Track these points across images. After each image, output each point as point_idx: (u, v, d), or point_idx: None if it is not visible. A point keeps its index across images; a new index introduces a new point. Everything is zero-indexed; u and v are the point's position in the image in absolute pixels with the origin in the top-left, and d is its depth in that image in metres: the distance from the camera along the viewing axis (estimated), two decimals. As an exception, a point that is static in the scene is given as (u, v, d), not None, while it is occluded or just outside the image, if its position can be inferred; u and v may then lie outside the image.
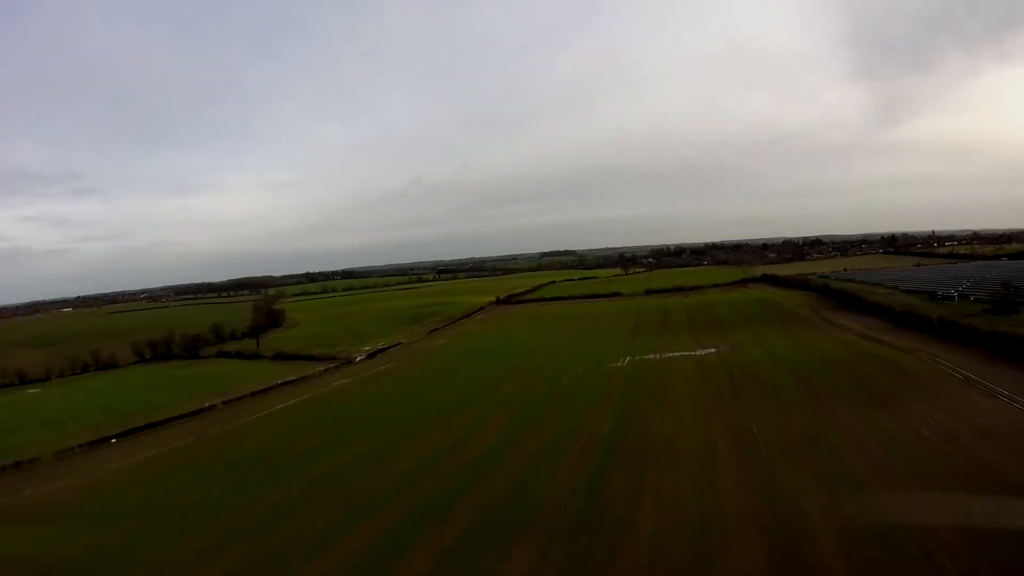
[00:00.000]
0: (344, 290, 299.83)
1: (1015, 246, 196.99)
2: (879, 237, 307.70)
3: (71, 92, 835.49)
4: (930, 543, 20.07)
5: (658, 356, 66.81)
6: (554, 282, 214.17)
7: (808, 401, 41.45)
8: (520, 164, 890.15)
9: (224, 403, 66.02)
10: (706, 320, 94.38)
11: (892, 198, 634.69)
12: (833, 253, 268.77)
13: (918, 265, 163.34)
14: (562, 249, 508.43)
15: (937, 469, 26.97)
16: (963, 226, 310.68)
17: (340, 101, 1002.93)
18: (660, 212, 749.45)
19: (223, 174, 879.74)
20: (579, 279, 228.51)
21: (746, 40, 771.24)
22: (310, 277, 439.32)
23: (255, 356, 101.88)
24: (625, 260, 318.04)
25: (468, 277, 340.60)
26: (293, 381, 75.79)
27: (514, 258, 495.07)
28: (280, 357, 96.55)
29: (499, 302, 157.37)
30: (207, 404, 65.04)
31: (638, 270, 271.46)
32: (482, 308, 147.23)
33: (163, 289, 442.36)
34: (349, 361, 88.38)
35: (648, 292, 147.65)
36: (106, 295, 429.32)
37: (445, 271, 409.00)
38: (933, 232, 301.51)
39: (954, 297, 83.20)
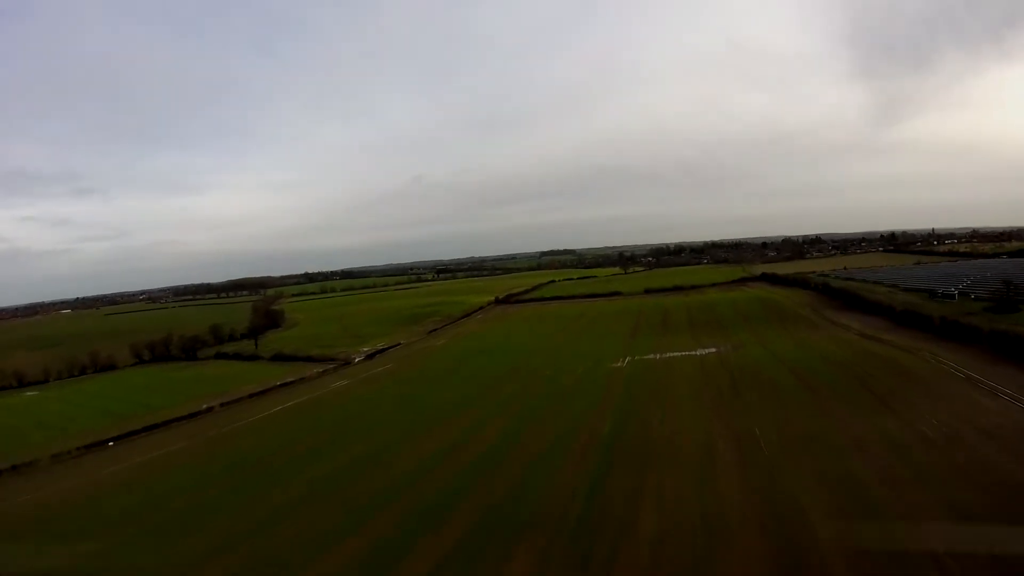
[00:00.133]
0: (343, 290, 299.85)
1: (1015, 244, 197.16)
2: (879, 235, 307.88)
3: (71, 92, 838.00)
4: (933, 544, 19.89)
5: (658, 356, 66.73)
6: (553, 281, 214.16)
7: (809, 401, 41.33)
8: (520, 164, 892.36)
9: (222, 405, 65.85)
10: (706, 319, 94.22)
11: (892, 197, 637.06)
12: (833, 251, 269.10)
13: (918, 263, 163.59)
14: (561, 248, 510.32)
15: (939, 470, 26.79)
16: (963, 224, 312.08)
17: (340, 101, 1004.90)
18: (660, 211, 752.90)
19: (223, 174, 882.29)
20: (578, 278, 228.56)
21: (746, 40, 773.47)
22: (309, 277, 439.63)
23: (253, 357, 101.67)
24: (624, 259, 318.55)
25: (467, 277, 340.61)
26: (292, 382, 75.60)
27: (513, 258, 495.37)
28: (279, 358, 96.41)
29: (498, 302, 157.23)
30: (205, 406, 64.86)
31: (637, 269, 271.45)
32: (481, 308, 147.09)
33: (162, 290, 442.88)
34: (348, 362, 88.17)
35: (648, 291, 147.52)
36: (105, 296, 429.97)
37: (444, 271, 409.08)
38: (933, 230, 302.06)
39: (954, 295, 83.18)
